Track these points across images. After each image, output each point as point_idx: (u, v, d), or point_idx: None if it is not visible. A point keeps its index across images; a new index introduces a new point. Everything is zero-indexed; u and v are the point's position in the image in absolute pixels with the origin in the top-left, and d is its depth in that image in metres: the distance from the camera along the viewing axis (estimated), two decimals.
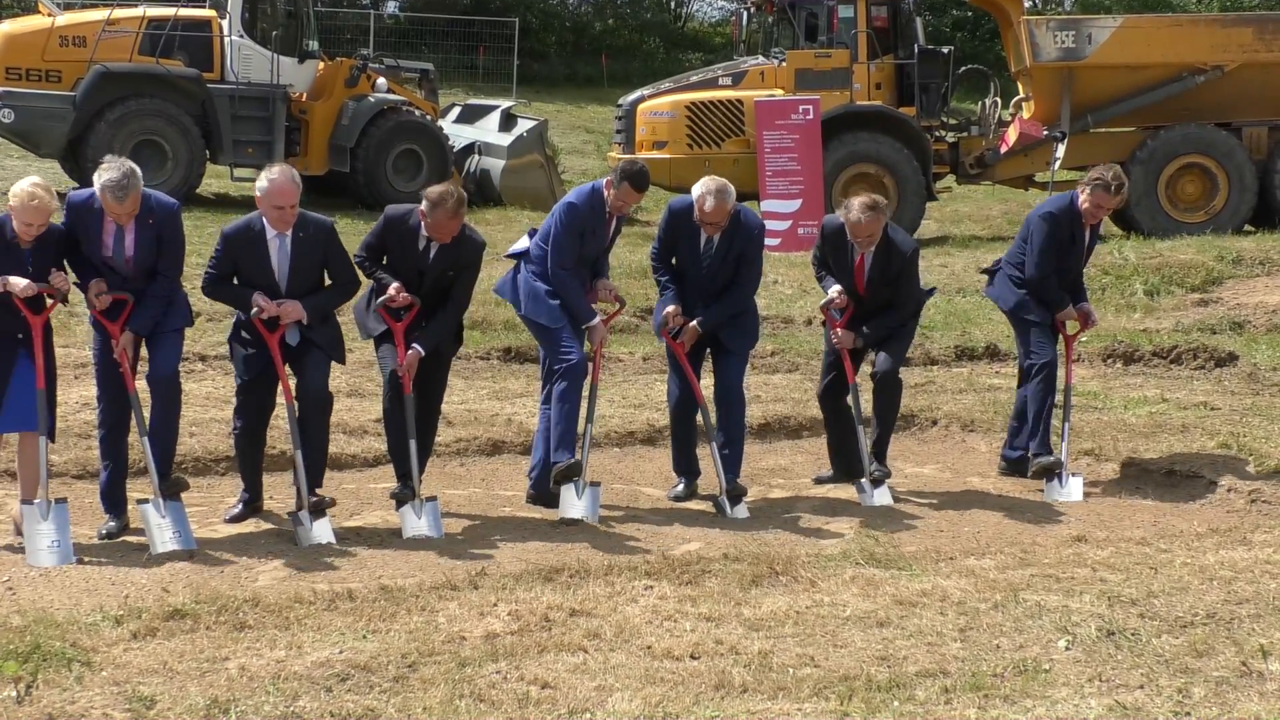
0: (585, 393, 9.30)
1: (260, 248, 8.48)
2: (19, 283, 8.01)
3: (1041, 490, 9.74)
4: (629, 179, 9.10)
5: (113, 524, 8.49)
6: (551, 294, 9.16)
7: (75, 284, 8.33)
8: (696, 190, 9.19)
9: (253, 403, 8.73)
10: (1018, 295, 10.01)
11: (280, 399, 8.66)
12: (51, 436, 8.30)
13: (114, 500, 8.56)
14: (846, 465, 9.98)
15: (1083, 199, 9.69)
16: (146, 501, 8.24)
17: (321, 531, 8.40)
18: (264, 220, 8.45)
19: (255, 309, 8.39)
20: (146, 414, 8.43)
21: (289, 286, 8.52)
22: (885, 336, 9.70)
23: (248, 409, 8.75)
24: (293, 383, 8.64)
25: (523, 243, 9.51)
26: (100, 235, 8.22)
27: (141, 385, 8.49)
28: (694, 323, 9.35)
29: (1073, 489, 9.72)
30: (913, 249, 9.69)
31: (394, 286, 8.70)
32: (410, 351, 8.70)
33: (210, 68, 22.30)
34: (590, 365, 9.26)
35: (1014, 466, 10.16)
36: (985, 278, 10.73)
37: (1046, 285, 9.89)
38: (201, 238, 17.85)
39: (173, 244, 8.39)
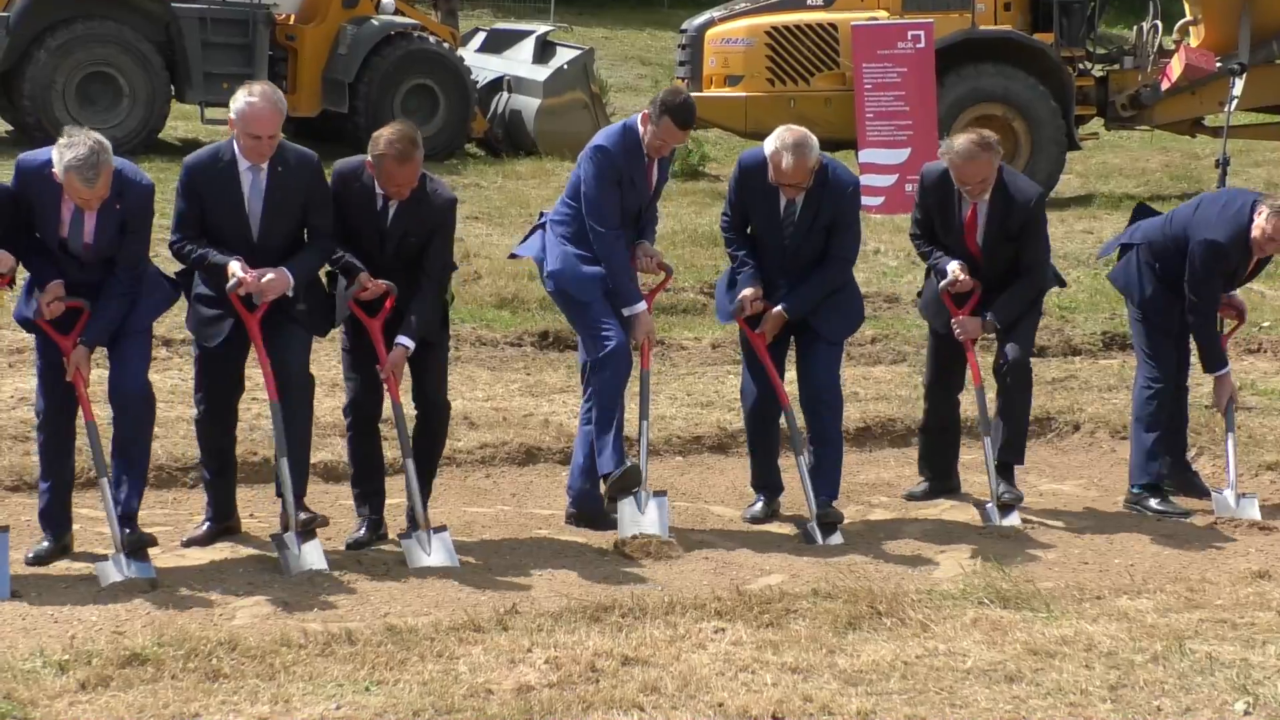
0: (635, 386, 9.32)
1: (230, 182, 8.51)
2: None
3: (1211, 511, 9.71)
4: (670, 113, 9.09)
5: (47, 544, 8.53)
6: (585, 258, 9.18)
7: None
8: (770, 145, 9.18)
9: (219, 379, 8.78)
10: (1153, 287, 9.93)
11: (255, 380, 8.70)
12: None
13: (53, 519, 8.60)
14: (943, 477, 10.14)
15: (1258, 225, 9.53)
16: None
17: (312, 557, 8.44)
18: (235, 148, 8.50)
19: (233, 280, 8.43)
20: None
21: (262, 231, 8.57)
22: (1013, 323, 9.66)
23: (212, 387, 8.81)
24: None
25: (533, 243, 9.54)
26: (57, 213, 8.24)
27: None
28: (777, 309, 9.35)
29: (1246, 510, 9.70)
30: (1038, 195, 9.63)
31: (364, 275, 8.70)
32: (396, 348, 8.70)
33: None
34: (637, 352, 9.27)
35: (1177, 480, 10.12)
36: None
37: (1207, 325, 9.83)
38: (165, 193, 17.97)
39: (139, 232, 8.41)
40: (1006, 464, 9.71)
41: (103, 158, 7.98)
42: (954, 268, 9.57)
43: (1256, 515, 9.66)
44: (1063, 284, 10.44)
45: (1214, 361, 9.87)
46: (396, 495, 9.11)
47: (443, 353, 9.15)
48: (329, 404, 10.95)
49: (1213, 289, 9.77)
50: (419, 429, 9.08)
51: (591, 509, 9.37)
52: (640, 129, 9.19)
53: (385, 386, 8.80)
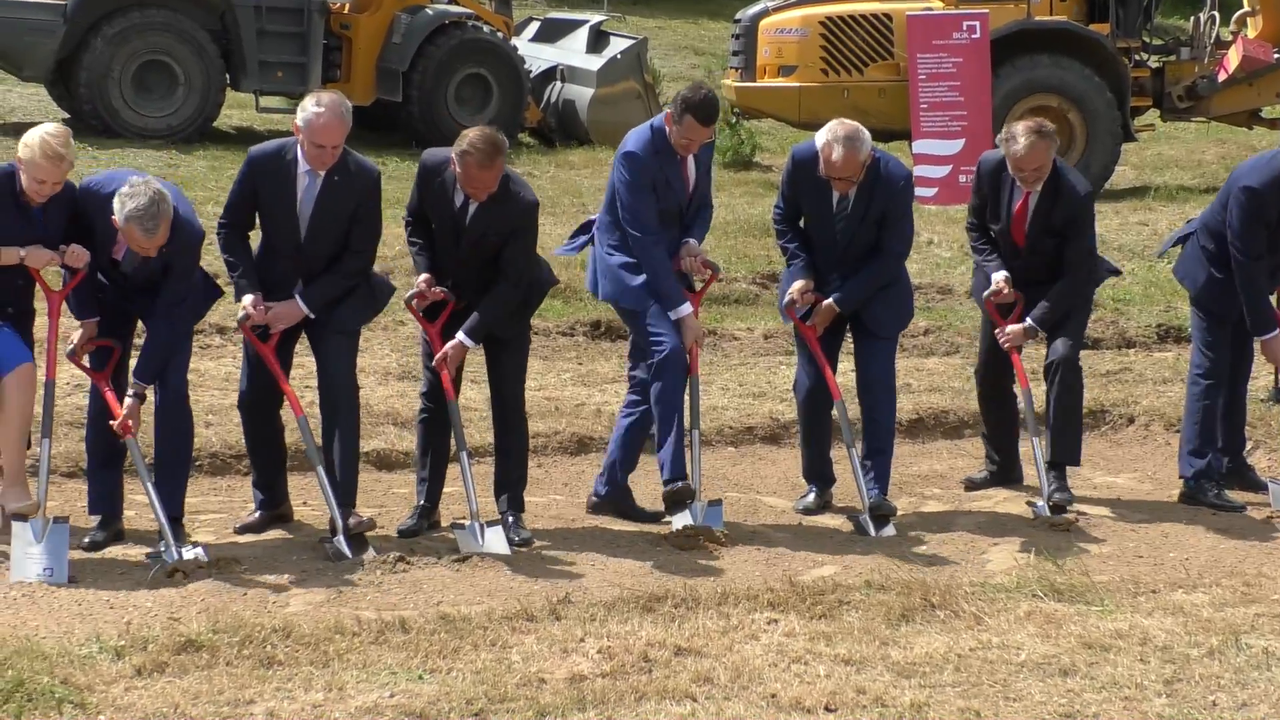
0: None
1: (288, 182, 8.60)
2: (43, 254, 8.30)
3: (1268, 504, 9.66)
4: (691, 110, 9.04)
5: (99, 534, 8.62)
6: (630, 267, 9.17)
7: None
8: (820, 138, 9.16)
9: (261, 367, 8.83)
10: (1208, 274, 9.85)
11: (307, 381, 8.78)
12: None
13: (104, 503, 8.69)
14: (1007, 465, 10.11)
15: None
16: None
17: (363, 557, 8.49)
18: (299, 151, 8.55)
19: (241, 314, 8.58)
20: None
21: (309, 234, 8.63)
22: (1062, 319, 9.62)
23: (254, 375, 8.90)
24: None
25: (578, 243, 9.54)
26: (111, 239, 8.35)
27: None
28: (829, 301, 9.34)
29: None
30: (1086, 192, 9.59)
31: (423, 279, 8.75)
32: (453, 342, 8.73)
33: None
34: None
35: (1233, 477, 10.07)
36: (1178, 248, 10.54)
37: (1253, 279, 9.64)
38: (219, 180, 18.09)
39: (183, 275, 8.48)
40: (1059, 464, 9.69)
41: (163, 208, 8.09)
42: (998, 278, 9.58)
43: None
44: (1117, 273, 10.38)
45: (1261, 323, 9.66)
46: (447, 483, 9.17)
47: (519, 352, 9.17)
48: (381, 392, 11.01)
49: (1254, 239, 9.55)
50: (496, 429, 9.16)
51: (620, 500, 9.42)
52: (667, 128, 9.16)
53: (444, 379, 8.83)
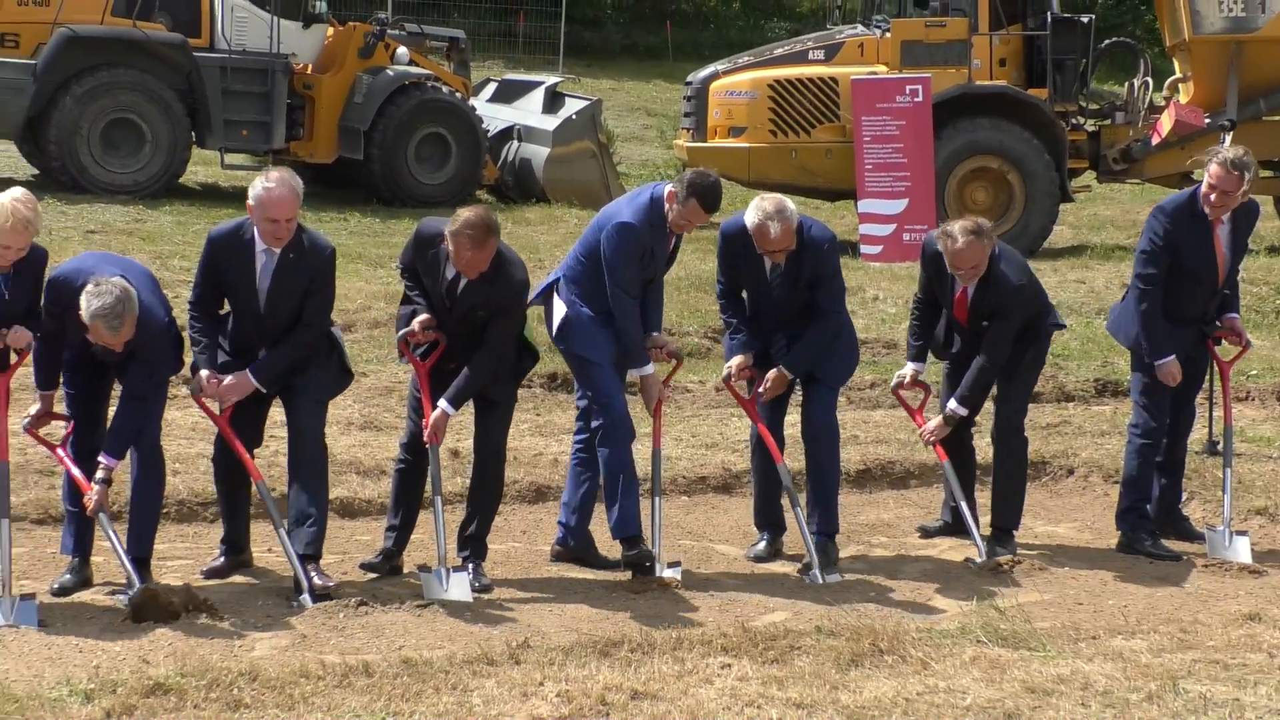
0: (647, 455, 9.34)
1: (246, 259, 8.63)
2: None
3: (1204, 555, 9.71)
4: (698, 196, 9.04)
5: (69, 577, 8.58)
6: (597, 321, 9.19)
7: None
8: (752, 217, 9.17)
9: (237, 428, 8.82)
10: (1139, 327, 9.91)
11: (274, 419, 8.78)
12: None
13: (77, 547, 8.65)
14: (960, 518, 10.06)
15: (1205, 179, 9.53)
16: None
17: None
18: (255, 229, 8.58)
19: (193, 385, 8.65)
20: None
21: (267, 307, 8.65)
22: (1010, 380, 9.72)
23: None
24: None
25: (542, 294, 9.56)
26: (84, 326, 8.24)
27: None
28: (775, 371, 9.38)
29: (1239, 549, 9.71)
30: (1019, 284, 9.51)
31: (419, 321, 8.79)
32: (436, 413, 8.75)
33: (197, 33, 22.44)
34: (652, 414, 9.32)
35: (1169, 527, 10.12)
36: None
37: (1148, 302, 9.67)
38: (185, 235, 18.05)
39: (145, 363, 8.42)
40: (1004, 529, 9.76)
41: (128, 305, 8.05)
42: (907, 370, 9.85)
43: (1247, 558, 9.63)
44: (1061, 326, 10.39)
45: (1157, 348, 9.63)
46: (424, 528, 9.17)
47: (505, 410, 9.17)
48: (345, 441, 10.99)
49: (1154, 260, 9.66)
50: (475, 479, 9.19)
51: (579, 547, 9.41)
52: (665, 205, 9.18)
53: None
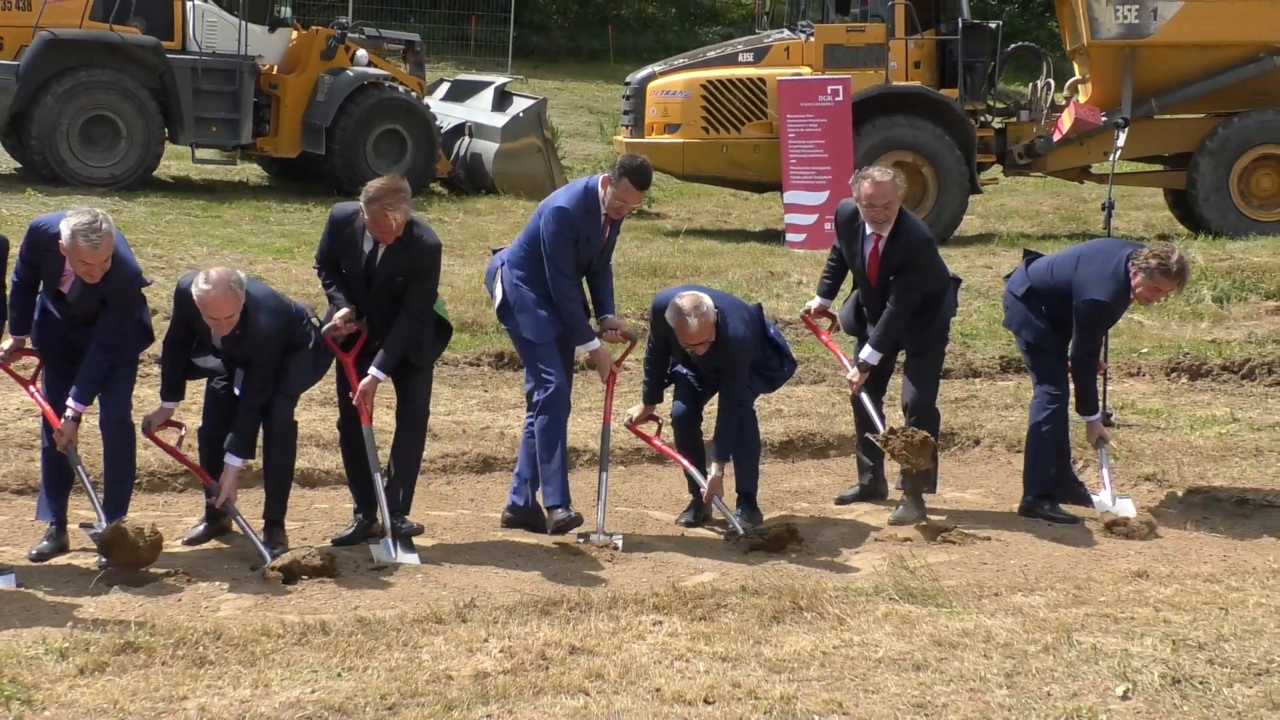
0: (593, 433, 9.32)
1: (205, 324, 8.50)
2: None
3: (1096, 519, 9.76)
4: (629, 175, 9.09)
5: (46, 544, 8.52)
6: (539, 303, 9.17)
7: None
8: (672, 315, 9.24)
9: (216, 407, 8.81)
10: (1045, 324, 9.98)
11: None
12: None
13: (52, 513, 8.60)
14: (874, 481, 10.23)
15: (1136, 281, 9.53)
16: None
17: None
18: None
19: (145, 422, 8.66)
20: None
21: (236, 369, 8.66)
22: (917, 360, 9.77)
23: (212, 412, 8.89)
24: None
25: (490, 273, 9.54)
26: (59, 272, 8.25)
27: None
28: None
29: (1124, 507, 9.86)
30: (925, 238, 9.68)
31: (339, 315, 8.71)
32: (366, 379, 8.70)
33: (170, 36, 22.27)
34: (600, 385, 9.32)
35: (1065, 492, 10.17)
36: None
37: (1090, 373, 9.89)
38: (158, 225, 17.94)
39: (116, 312, 8.34)
40: (913, 494, 9.82)
41: (105, 227, 8.03)
42: (814, 304, 10.19)
43: (1132, 512, 9.75)
44: (957, 281, 10.37)
45: (1090, 405, 9.93)
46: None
47: (425, 375, 9.09)
48: (305, 416, 10.92)
49: (1097, 340, 9.99)
50: (398, 435, 9.07)
51: (528, 514, 9.39)
52: (600, 191, 9.16)
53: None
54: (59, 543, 8.56)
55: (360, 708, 6.09)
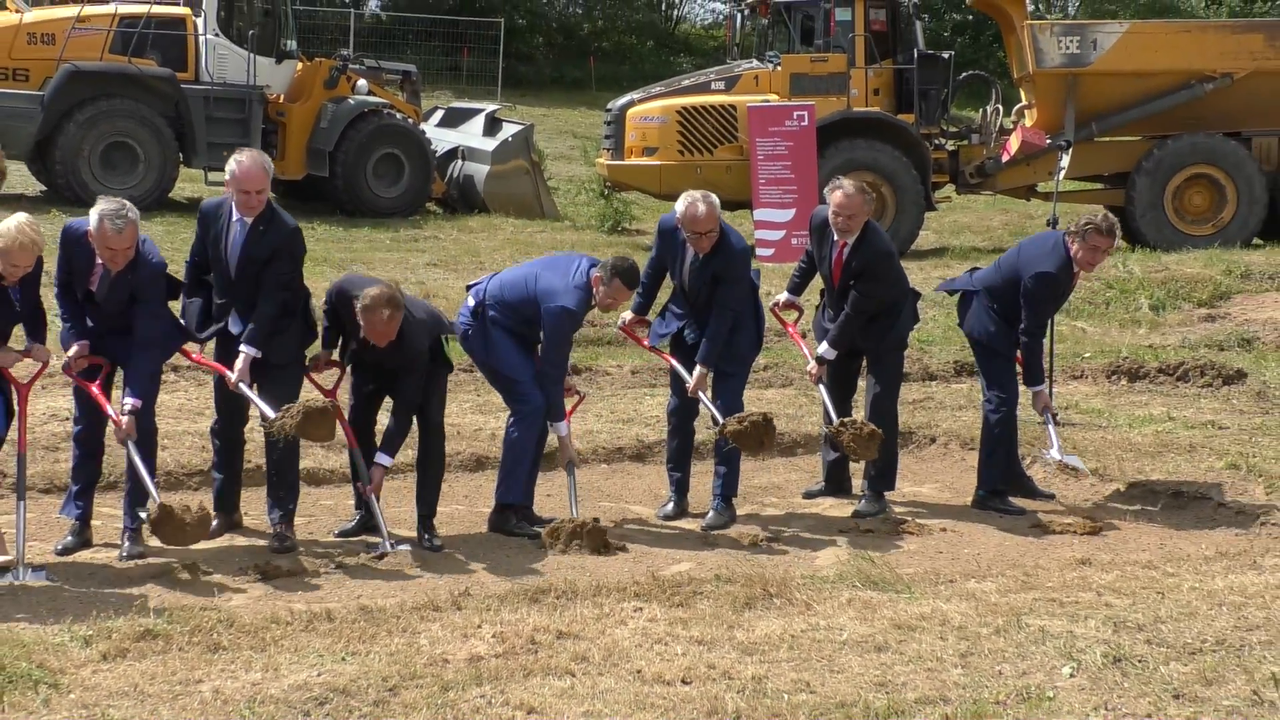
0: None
1: (223, 228, 8.54)
2: (9, 355, 8.06)
3: (1046, 511, 9.79)
4: (620, 275, 8.97)
5: (70, 539, 8.49)
6: (520, 349, 9.13)
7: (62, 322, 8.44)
8: (682, 204, 9.25)
9: (227, 403, 8.90)
10: (997, 326, 10.00)
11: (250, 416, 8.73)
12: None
13: (79, 510, 8.56)
14: (838, 478, 10.20)
15: (1075, 249, 9.63)
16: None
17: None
18: (232, 204, 8.55)
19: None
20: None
21: (238, 274, 8.54)
22: (876, 365, 9.82)
23: (223, 409, 8.99)
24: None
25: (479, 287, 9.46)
26: (89, 271, 8.22)
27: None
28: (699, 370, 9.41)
29: (1071, 461, 10.20)
30: (885, 250, 9.70)
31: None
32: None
33: (184, 67, 22.29)
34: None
35: (1015, 486, 10.19)
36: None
37: (1037, 347, 9.99)
38: (174, 244, 17.83)
39: (147, 306, 8.29)
40: (876, 490, 9.86)
41: (131, 214, 8.03)
42: (782, 297, 10.26)
43: (1080, 465, 10.09)
44: (917, 295, 10.39)
45: (1037, 377, 9.95)
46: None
47: (437, 390, 9.03)
48: None
49: (1044, 317, 10.06)
50: (419, 454, 9.21)
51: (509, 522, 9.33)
52: (595, 288, 9.00)
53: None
54: (83, 538, 8.53)
55: (363, 689, 6.08)
